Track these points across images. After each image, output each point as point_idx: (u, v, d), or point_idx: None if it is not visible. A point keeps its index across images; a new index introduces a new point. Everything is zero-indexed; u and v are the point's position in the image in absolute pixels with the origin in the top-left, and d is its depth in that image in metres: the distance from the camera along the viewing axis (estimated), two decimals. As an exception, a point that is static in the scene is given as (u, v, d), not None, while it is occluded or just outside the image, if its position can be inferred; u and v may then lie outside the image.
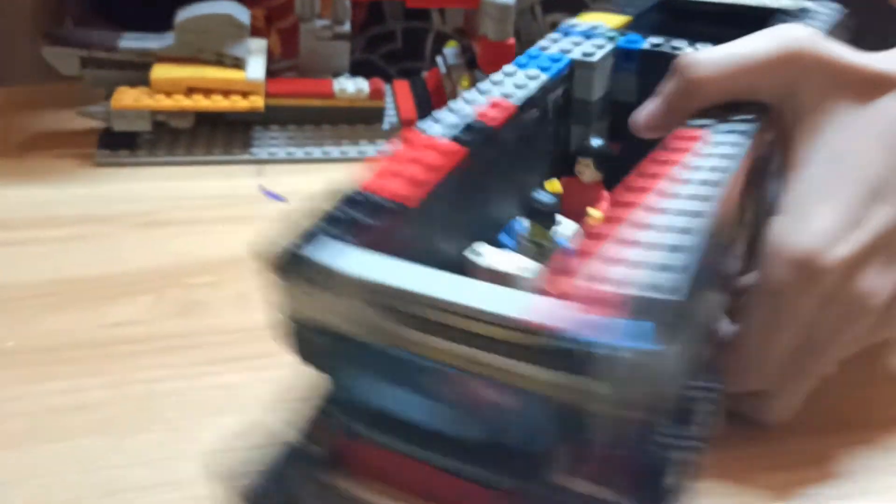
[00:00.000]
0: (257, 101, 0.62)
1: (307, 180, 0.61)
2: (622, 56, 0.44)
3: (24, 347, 0.45)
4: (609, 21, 0.47)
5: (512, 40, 0.67)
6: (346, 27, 0.66)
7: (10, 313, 0.47)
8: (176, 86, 0.62)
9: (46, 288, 0.49)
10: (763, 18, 0.45)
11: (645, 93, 0.42)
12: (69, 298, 0.48)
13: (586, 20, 0.47)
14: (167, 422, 0.41)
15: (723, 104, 0.39)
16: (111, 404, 0.42)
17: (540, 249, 0.38)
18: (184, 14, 0.62)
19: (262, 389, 0.42)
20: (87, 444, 0.39)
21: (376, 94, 0.66)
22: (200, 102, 0.62)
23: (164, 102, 0.62)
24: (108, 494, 0.37)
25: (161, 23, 0.64)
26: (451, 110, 0.37)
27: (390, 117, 0.68)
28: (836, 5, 0.49)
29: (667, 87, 0.40)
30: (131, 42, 0.63)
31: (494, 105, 0.37)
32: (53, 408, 0.41)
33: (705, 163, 0.34)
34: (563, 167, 0.42)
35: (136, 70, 0.63)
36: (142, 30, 0.64)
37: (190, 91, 0.62)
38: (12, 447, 0.39)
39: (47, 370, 0.43)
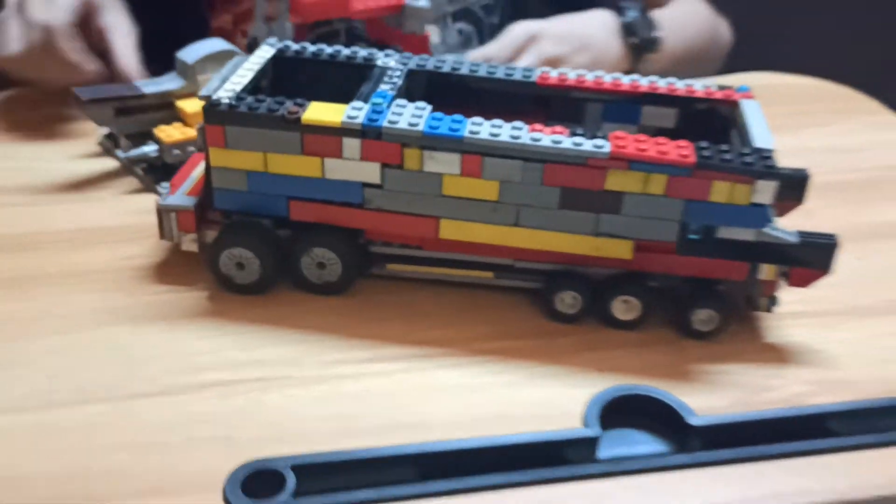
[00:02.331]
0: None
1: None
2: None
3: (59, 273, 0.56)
4: None
5: (428, 32, 0.78)
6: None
7: (43, 251, 0.58)
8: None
9: (73, 234, 0.60)
10: None
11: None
12: (92, 240, 0.59)
13: None
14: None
15: None
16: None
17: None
18: (189, 56, 0.72)
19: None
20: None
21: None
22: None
23: (204, 131, 0.72)
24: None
25: None
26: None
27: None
28: None
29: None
30: (152, 87, 0.74)
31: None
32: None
33: None
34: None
35: (157, 111, 0.74)
36: None
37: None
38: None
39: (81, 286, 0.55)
